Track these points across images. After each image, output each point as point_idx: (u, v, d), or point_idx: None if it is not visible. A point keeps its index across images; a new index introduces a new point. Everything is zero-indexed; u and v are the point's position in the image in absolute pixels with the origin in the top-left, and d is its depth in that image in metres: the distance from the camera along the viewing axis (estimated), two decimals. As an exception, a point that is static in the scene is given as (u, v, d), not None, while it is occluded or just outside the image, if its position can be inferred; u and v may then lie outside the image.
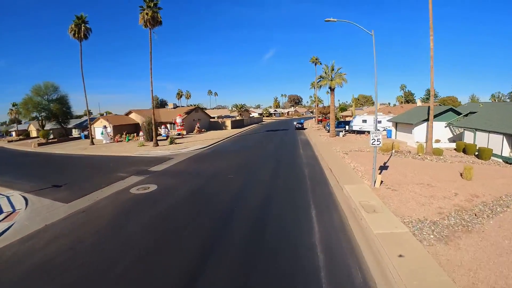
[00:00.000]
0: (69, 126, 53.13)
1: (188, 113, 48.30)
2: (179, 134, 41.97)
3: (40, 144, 39.25)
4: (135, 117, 47.95)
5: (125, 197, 13.31)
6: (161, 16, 28.61)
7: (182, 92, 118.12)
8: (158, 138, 34.83)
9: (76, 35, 31.68)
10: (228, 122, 56.09)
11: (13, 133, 68.43)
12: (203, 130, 48.93)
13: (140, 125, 29.94)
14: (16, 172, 21.18)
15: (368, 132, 32.94)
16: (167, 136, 37.95)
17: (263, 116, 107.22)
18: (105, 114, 79.49)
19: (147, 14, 27.56)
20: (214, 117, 74.62)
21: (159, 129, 42.06)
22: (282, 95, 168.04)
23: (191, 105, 65.72)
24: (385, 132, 32.35)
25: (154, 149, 29.15)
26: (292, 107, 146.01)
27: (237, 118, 72.36)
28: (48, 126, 48.69)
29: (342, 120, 48.61)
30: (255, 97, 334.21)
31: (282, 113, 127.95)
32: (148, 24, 28.25)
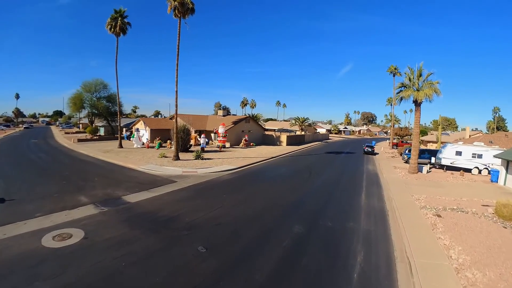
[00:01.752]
0: (118, 124, 55.32)
1: (236, 122, 44.42)
2: (222, 146, 37.98)
3: (79, 140, 41.02)
4: (179, 122, 46.45)
5: (20, 248, 8.77)
6: (193, 2, 25.39)
7: (247, 101, 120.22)
8: (194, 148, 34.35)
9: (113, 29, 32.16)
10: (283, 137, 50.13)
11: (80, 125, 76.24)
12: (251, 144, 44.25)
13: (171, 132, 26.62)
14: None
15: (465, 169, 27.83)
16: (202, 148, 34.16)
17: (331, 133, 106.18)
18: (154, 115, 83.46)
19: (174, 0, 24.42)
20: (273, 130, 69.81)
21: (198, 139, 39.15)
22: (354, 111, 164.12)
23: (247, 115, 62.31)
24: (488, 174, 26.56)
25: (170, 163, 25.36)
26: (365, 126, 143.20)
27: (297, 133, 65.80)
28: (100, 123, 51.62)
29: (425, 148, 39.78)
30: (326, 111, 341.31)
31: (353, 131, 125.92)
32: (177, 12, 25.94)
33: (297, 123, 71.58)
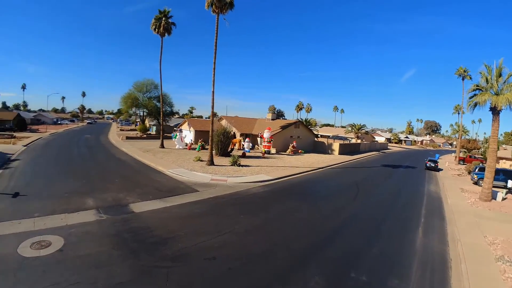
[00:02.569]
0: (170, 124, 57.64)
1: (284, 127, 41.98)
2: (266, 152, 36.10)
3: (128, 138, 43.47)
4: (224, 124, 46.00)
5: None
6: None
7: (302, 105, 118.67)
8: (236, 153, 33.23)
9: (157, 30, 32.97)
10: (335, 145, 45.82)
11: (138, 123, 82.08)
12: (300, 151, 41.30)
13: (210, 135, 25.74)
14: None
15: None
16: (244, 153, 32.53)
17: (391, 142, 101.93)
18: (207, 117, 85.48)
19: (211, -5, 23.86)
20: (327, 137, 65.53)
21: (242, 143, 37.81)
22: (417, 119, 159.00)
23: (298, 119, 59.41)
24: None
25: (202, 168, 24.23)
26: (427, 135, 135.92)
27: (352, 141, 60.41)
28: (152, 122, 54.41)
29: (499, 168, 31.40)
30: (387, 119, 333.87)
31: (415, 141, 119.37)
32: (214, 7, 24.87)
33: (352, 130, 65.92)
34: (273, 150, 39.28)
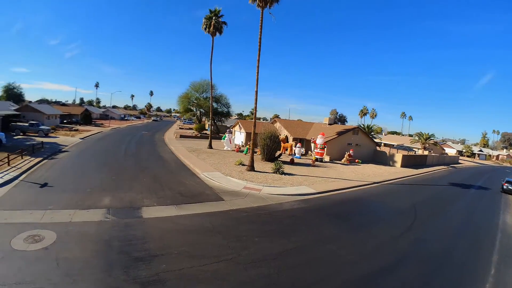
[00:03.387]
0: (226, 124, 58.78)
1: (341, 133, 38.70)
2: (318, 160, 33.70)
3: (181, 136, 45.22)
4: (278, 127, 44.67)
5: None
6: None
7: (366, 110, 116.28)
8: (285, 158, 31.98)
9: (207, 29, 33.72)
10: (398, 157, 40.53)
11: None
12: (357, 160, 37.67)
13: (251, 138, 24.98)
14: None
15: None
16: (292, 160, 30.71)
17: (462, 155, 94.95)
18: (270, 119, 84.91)
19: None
20: (391, 146, 59.27)
21: (293, 147, 35.89)
22: (493, 131, 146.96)
23: (361, 125, 54.94)
24: None
25: (240, 174, 23.57)
26: (504, 150, 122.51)
27: (418, 152, 55.26)
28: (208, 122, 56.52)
29: None
30: (459, 128, 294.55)
31: (490, 155, 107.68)
32: (259, 1, 24.01)
33: (419, 140, 57.86)
34: (326, 158, 36.55)
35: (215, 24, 33.33)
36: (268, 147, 30.04)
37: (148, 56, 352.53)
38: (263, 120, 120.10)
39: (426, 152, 56.81)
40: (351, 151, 37.82)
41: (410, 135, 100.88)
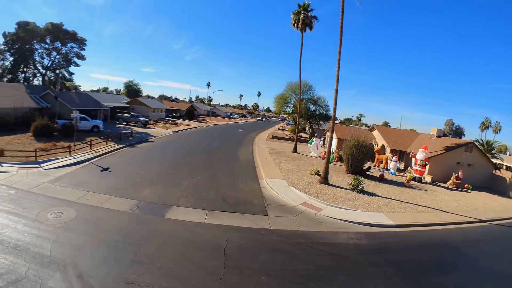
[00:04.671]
0: (323, 128, 55.78)
1: (449, 149, 30.68)
2: (414, 179, 27.22)
3: (273, 137, 45.16)
4: (376, 136, 38.69)
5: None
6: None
7: (489, 123, 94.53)
8: (371, 173, 27.55)
9: (296, 25, 32.27)
10: None
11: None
12: (466, 185, 28.85)
13: (327, 145, 22.07)
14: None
15: None
16: (381, 176, 25.55)
17: None
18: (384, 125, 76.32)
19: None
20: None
21: (389, 161, 30.22)
22: None
23: (479, 140, 42.52)
24: None
25: (308, 186, 20.92)
26: None
27: None
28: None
29: None
30: None
31: None
32: None
33: None
34: (427, 178, 29.81)
35: (304, 19, 31.42)
36: (353, 157, 25.58)
37: (258, 58, 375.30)
38: (365, 127, 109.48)
39: None
40: (460, 173, 28.63)
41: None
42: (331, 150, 37.03)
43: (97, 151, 21.32)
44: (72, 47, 56.40)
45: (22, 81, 53.29)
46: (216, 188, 16.93)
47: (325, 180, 21.49)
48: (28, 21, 50.80)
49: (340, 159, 31.75)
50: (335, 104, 22.11)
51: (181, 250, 9.51)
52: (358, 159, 25.57)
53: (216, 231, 11.36)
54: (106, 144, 24.00)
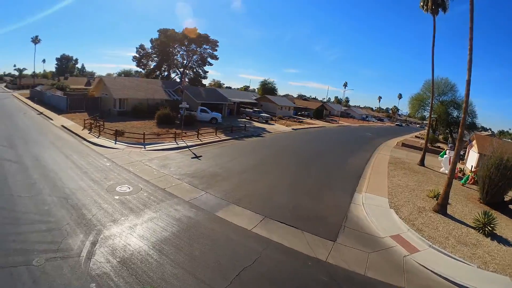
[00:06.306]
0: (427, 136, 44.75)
1: None
2: None
3: (404, 144, 40.25)
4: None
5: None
6: None
7: None
8: None
9: (425, 6, 27.63)
10: None
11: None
12: None
13: (451, 162, 17.13)
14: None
15: None
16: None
17: None
18: None
19: None
20: None
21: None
22: None
23: None
24: None
25: (417, 213, 16.42)
26: None
27: None
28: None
29: None
30: None
31: None
32: None
33: None
34: None
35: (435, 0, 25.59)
36: (491, 181, 17.92)
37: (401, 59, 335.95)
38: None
39: None
40: None
41: None
42: (471, 167, 28.14)
43: (202, 140, 23.54)
44: (205, 48, 64.92)
45: (164, 78, 65.50)
46: (294, 194, 15.22)
47: (441, 208, 15.95)
48: (167, 28, 62.24)
49: (476, 181, 23.36)
50: (466, 102, 16.33)
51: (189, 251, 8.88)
52: (498, 185, 17.73)
53: (252, 245, 9.77)
54: (215, 135, 26.12)
